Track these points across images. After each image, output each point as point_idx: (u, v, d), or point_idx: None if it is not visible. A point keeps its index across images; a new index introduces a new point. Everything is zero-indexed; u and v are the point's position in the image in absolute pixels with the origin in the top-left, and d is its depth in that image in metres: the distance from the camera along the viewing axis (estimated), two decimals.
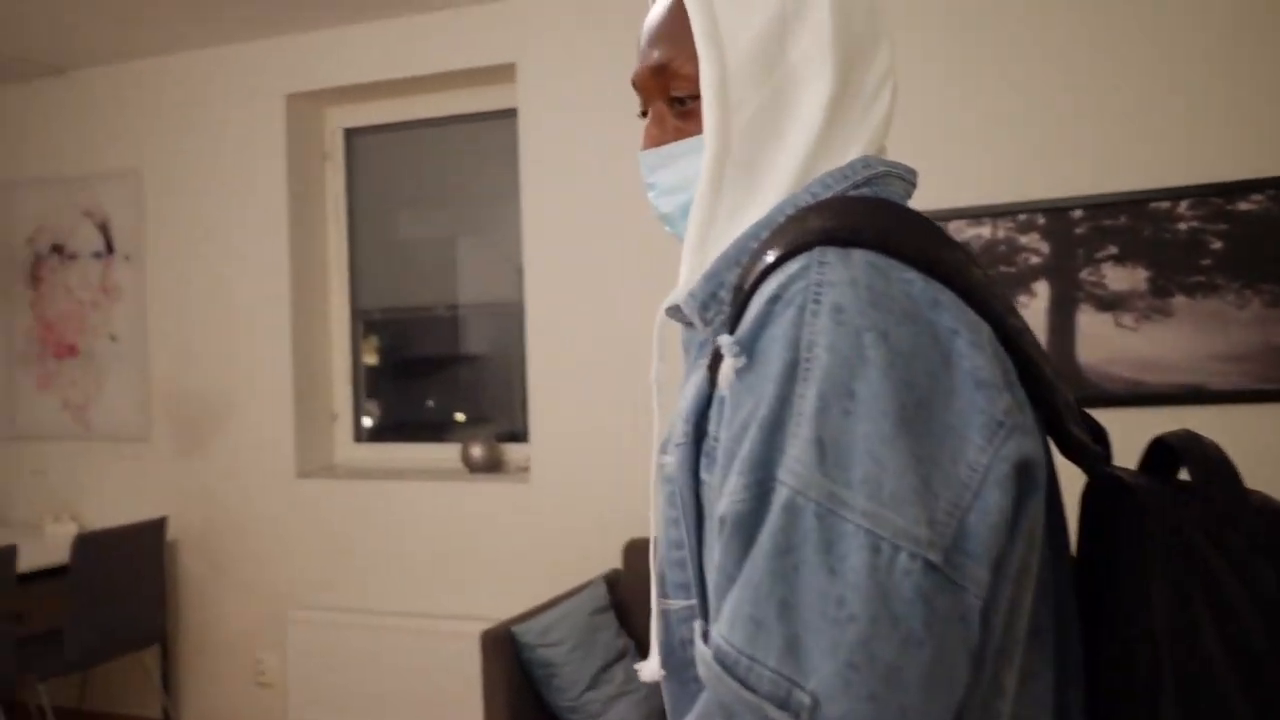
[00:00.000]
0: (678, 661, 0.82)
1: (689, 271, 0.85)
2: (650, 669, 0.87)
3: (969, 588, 0.64)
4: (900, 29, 2.20)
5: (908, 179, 0.85)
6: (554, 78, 3.68)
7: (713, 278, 0.82)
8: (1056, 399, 0.76)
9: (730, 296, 0.78)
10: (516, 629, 2.99)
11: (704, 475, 0.75)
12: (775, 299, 0.70)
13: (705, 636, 0.72)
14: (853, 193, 0.80)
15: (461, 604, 3.77)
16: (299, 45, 4.06)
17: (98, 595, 3.69)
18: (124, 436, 4.35)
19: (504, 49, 3.75)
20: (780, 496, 0.65)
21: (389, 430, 4.31)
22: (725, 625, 0.65)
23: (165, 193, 4.30)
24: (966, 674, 0.65)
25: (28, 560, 3.63)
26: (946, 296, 0.70)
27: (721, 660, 0.64)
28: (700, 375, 0.79)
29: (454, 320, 4.17)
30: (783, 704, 0.61)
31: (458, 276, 4.14)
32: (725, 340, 0.72)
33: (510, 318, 3.92)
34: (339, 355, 4.27)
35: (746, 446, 0.68)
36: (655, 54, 0.87)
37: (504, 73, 3.79)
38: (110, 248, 4.38)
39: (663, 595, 0.83)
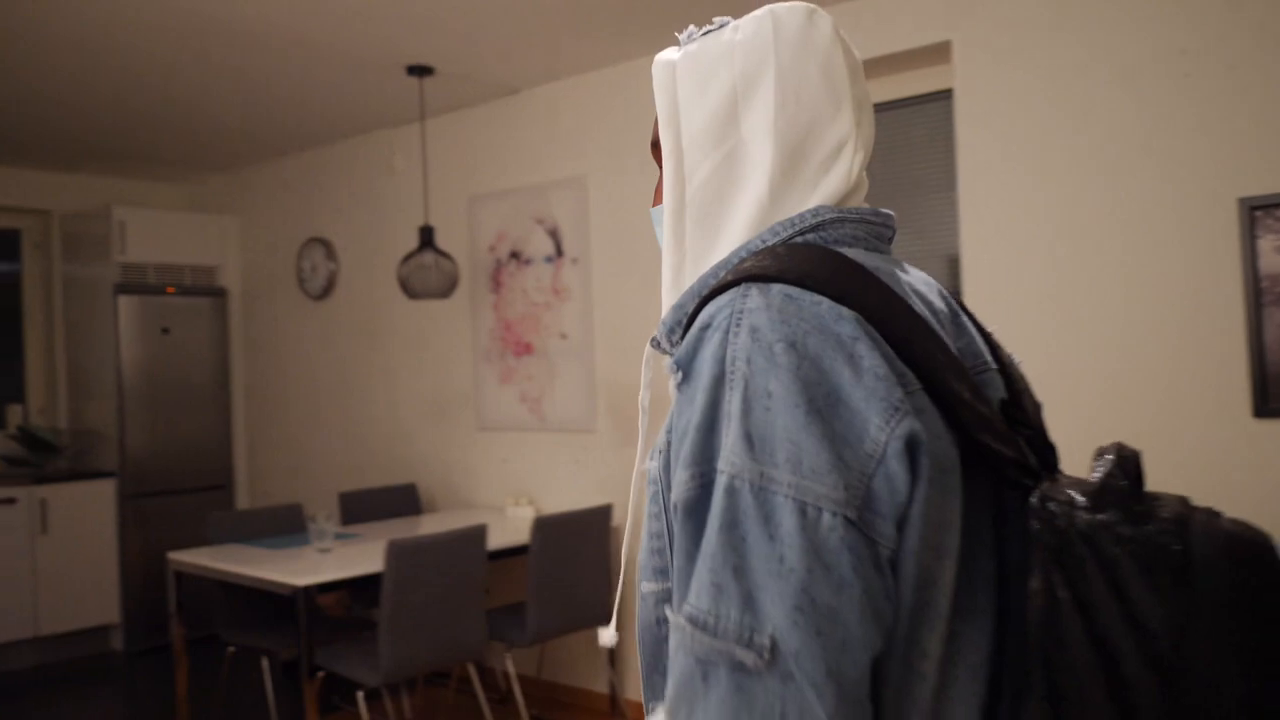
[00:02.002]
0: (652, 639, 0.93)
1: (664, 308, 1.00)
2: (607, 635, 1.05)
3: (879, 540, 0.78)
4: None
5: (870, 220, 0.98)
6: (994, 55, 3.44)
7: (679, 309, 0.97)
8: (968, 414, 0.84)
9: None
10: None
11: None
12: (706, 326, 0.86)
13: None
14: (798, 239, 0.94)
15: None
16: None
17: (553, 574, 3.97)
18: (573, 428, 4.67)
19: (939, 27, 3.56)
20: (721, 482, 0.79)
21: None
22: (693, 595, 0.78)
23: (605, 198, 4.55)
24: (890, 610, 0.78)
25: (495, 539, 3.99)
26: (850, 314, 0.83)
27: (693, 620, 0.77)
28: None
29: None
30: (748, 645, 0.75)
31: None
32: (667, 361, 0.88)
33: None
34: None
35: (688, 446, 0.82)
36: (653, 130, 1.05)
37: (938, 53, 3.61)
38: (560, 251, 4.71)
39: (643, 580, 0.94)
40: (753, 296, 0.84)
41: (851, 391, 0.80)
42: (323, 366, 5.91)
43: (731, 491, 0.78)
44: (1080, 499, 0.83)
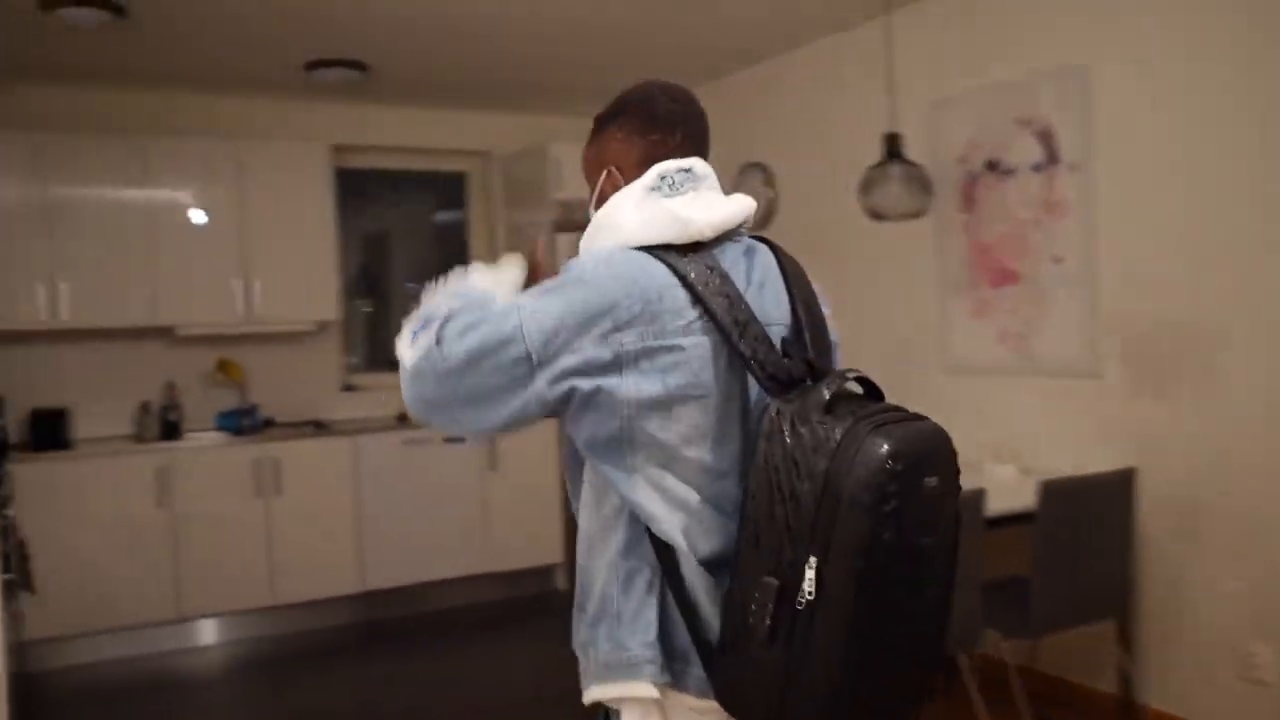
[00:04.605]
0: (569, 463, 1.56)
1: None
2: None
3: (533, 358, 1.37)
4: None
5: (696, 228, 1.44)
6: None
7: None
8: (744, 349, 1.37)
9: None
10: None
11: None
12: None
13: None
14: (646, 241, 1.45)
15: None
16: None
17: (1062, 552, 3.24)
18: (1070, 372, 3.85)
19: None
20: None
21: None
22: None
23: (1114, 90, 3.65)
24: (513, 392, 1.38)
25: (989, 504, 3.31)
26: (657, 268, 1.40)
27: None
28: None
29: None
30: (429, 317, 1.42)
31: None
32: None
33: None
34: None
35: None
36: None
37: None
38: (1053, 158, 3.88)
39: None
40: (592, 252, 1.48)
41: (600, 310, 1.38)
42: None
43: (509, 308, 1.42)
44: (797, 404, 1.31)
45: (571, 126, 6.49)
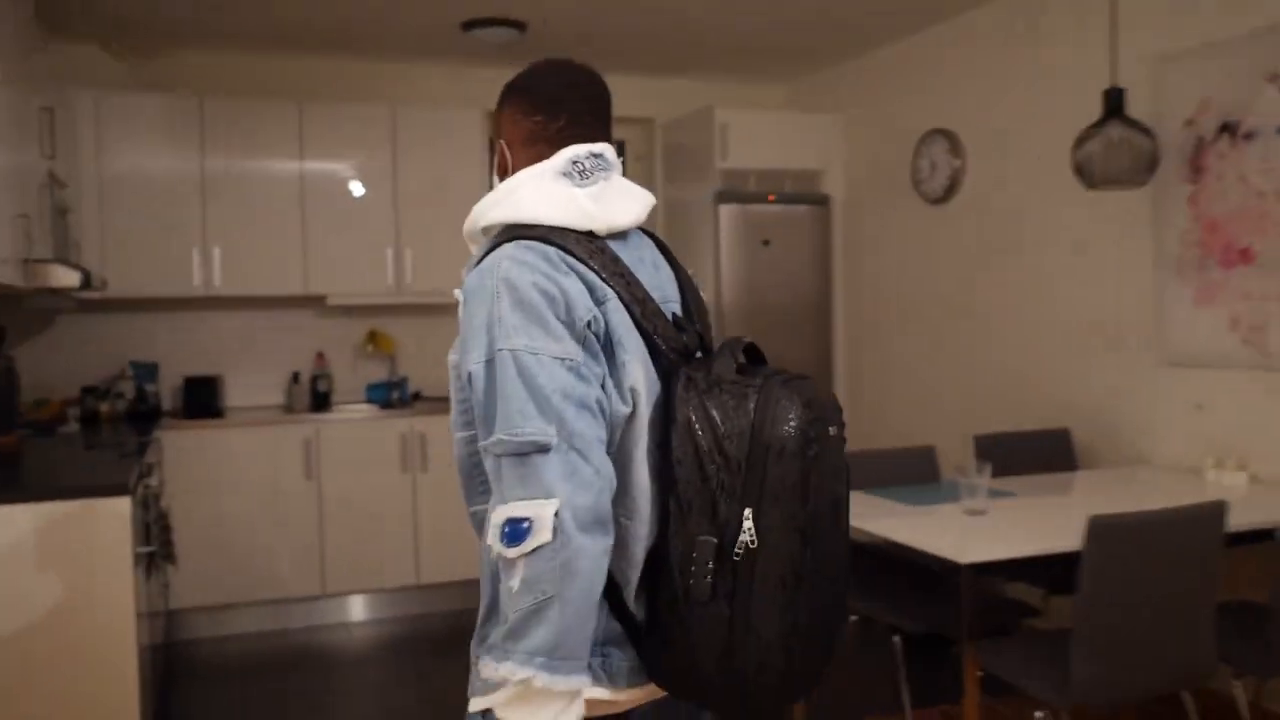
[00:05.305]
0: (466, 466, 1.46)
1: None
2: None
3: (591, 375, 1.36)
4: None
5: (597, 225, 1.47)
6: None
7: None
8: (646, 325, 1.42)
9: None
10: None
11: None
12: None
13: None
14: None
15: None
16: None
17: None
18: None
19: None
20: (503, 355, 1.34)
21: None
22: (503, 421, 1.30)
23: None
24: (605, 407, 1.36)
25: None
26: (572, 264, 1.39)
27: (500, 442, 1.29)
28: None
29: None
30: (545, 435, 1.27)
31: None
32: (458, 292, 1.45)
33: None
34: None
35: (480, 338, 1.36)
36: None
37: None
38: None
39: (455, 430, 1.46)
40: (508, 250, 1.42)
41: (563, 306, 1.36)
42: (941, 282, 5.00)
43: (515, 356, 1.32)
44: (705, 369, 1.39)
45: (739, 92, 6.15)
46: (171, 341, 5.19)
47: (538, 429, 1.27)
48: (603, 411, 1.35)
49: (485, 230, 1.49)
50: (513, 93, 1.57)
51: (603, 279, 1.40)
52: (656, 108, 5.98)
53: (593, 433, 1.31)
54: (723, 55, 5.45)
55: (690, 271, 1.65)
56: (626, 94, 5.89)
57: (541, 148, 1.51)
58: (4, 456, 3.64)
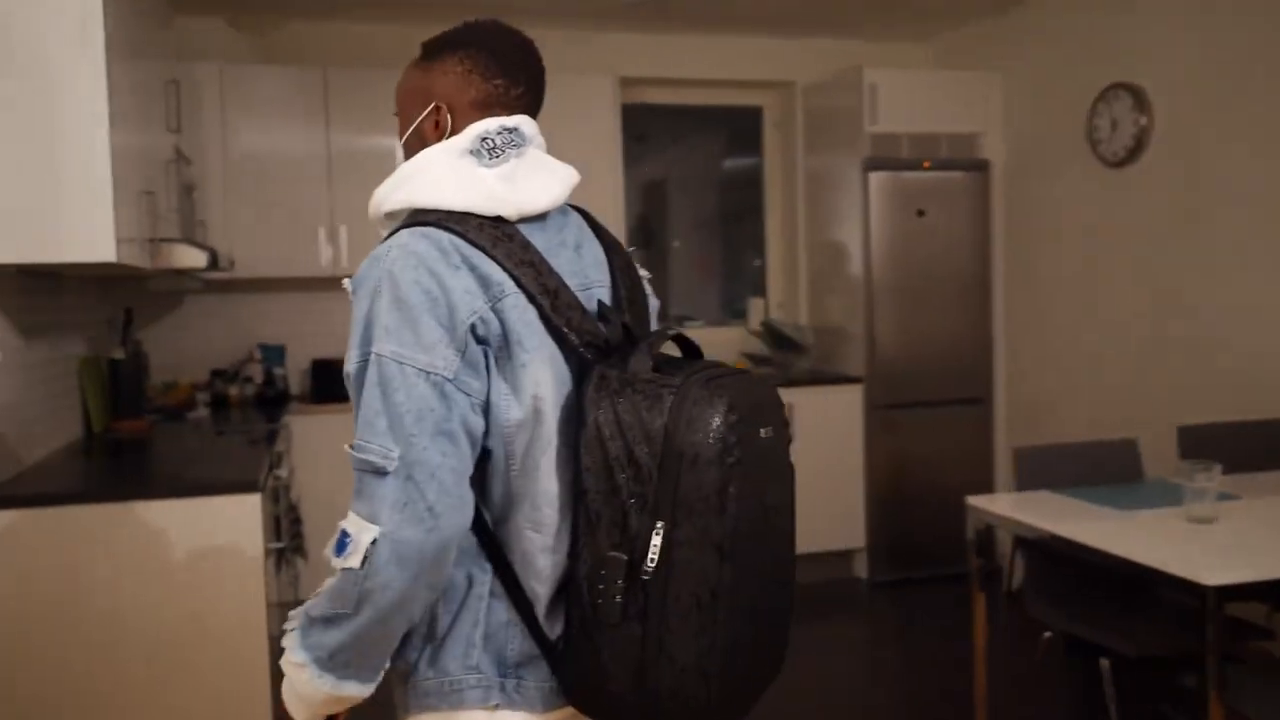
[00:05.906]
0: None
1: None
2: None
3: (470, 392, 1.24)
4: None
5: (506, 210, 1.32)
6: None
7: None
8: (557, 321, 1.28)
9: None
10: None
11: None
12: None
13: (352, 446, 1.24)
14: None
15: None
16: None
17: None
18: None
19: None
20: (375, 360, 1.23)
21: None
22: (357, 431, 1.22)
23: None
24: (479, 427, 1.25)
25: None
26: (469, 254, 1.26)
27: (356, 447, 1.20)
28: None
29: None
30: (385, 458, 1.18)
31: None
32: (346, 282, 1.32)
33: None
34: None
35: (357, 335, 1.25)
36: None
37: None
38: None
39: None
40: (402, 237, 1.29)
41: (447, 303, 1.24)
42: (1122, 253, 4.52)
43: (380, 363, 1.22)
44: (621, 367, 1.26)
45: (889, 52, 5.71)
46: (299, 323, 5.04)
47: (380, 449, 1.19)
48: (470, 435, 1.24)
49: (389, 215, 1.36)
50: (469, 46, 1.39)
51: (506, 270, 1.27)
52: (797, 70, 5.60)
53: (444, 462, 1.20)
54: (873, 10, 5.04)
55: (631, 249, 1.52)
56: (763, 57, 5.54)
57: (497, 113, 1.38)
58: (135, 442, 3.51)
